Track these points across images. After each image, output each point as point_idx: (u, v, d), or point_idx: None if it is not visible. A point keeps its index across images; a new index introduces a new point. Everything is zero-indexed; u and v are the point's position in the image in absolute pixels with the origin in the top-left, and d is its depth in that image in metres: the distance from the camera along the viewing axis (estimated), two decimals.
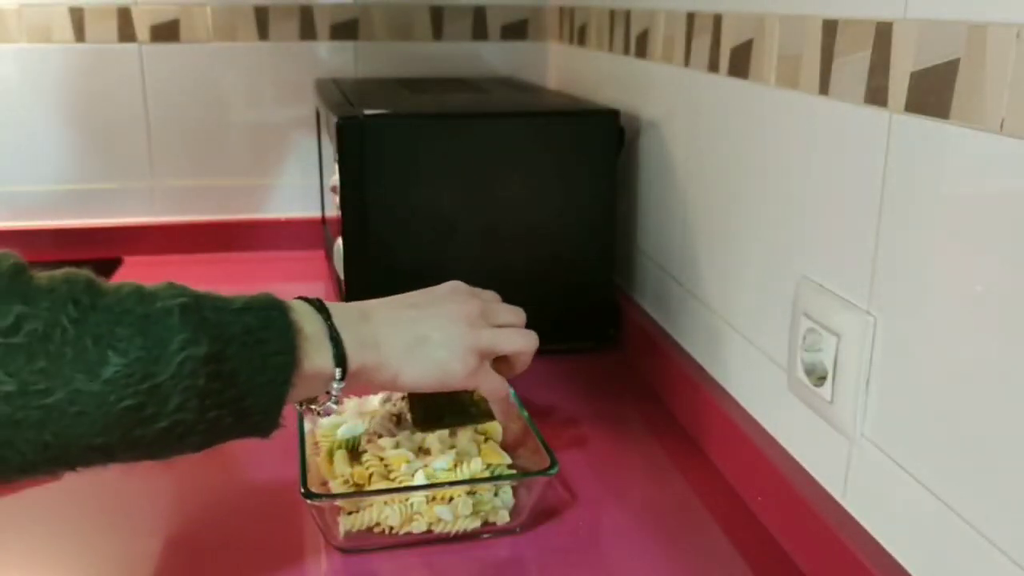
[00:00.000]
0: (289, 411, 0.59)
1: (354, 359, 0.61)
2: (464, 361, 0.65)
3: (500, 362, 0.70)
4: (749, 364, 0.75)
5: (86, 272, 0.53)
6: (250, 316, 0.56)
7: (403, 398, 0.76)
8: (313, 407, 0.63)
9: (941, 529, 0.52)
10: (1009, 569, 0.46)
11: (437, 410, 0.73)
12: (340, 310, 0.62)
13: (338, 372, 0.60)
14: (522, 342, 0.71)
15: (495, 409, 0.72)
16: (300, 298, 0.62)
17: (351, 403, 0.78)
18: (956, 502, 0.50)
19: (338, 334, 0.60)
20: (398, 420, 0.73)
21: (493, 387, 0.69)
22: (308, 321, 0.59)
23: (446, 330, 0.66)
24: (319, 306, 0.62)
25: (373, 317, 0.65)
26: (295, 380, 0.57)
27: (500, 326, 0.70)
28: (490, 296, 0.73)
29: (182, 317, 0.52)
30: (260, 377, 0.55)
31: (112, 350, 0.49)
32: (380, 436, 0.71)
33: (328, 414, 0.63)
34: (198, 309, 0.53)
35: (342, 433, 0.72)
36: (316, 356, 0.59)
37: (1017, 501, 0.46)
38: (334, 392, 0.61)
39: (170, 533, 0.67)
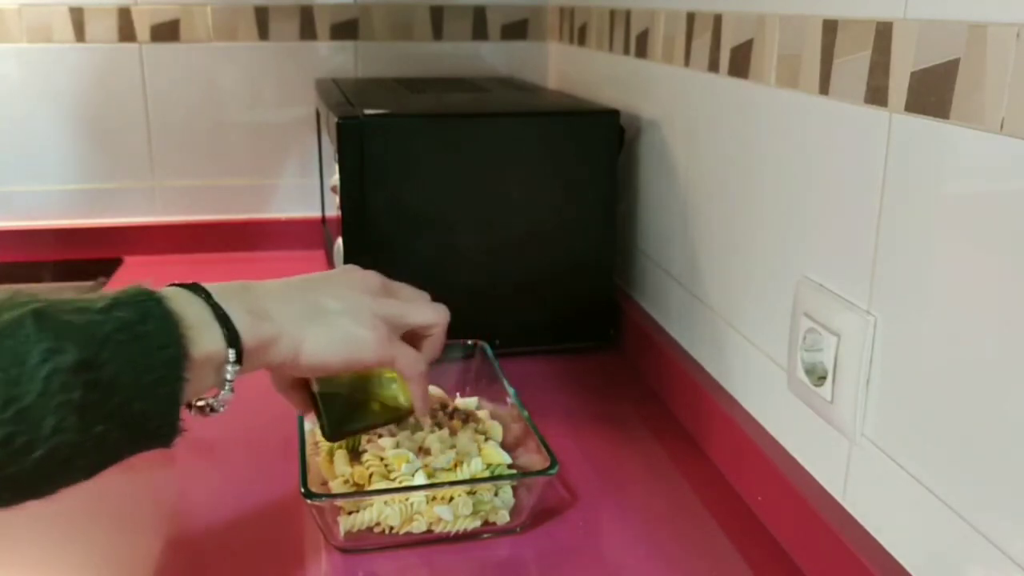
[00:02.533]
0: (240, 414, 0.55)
1: (248, 335, 0.54)
2: (374, 327, 0.60)
3: (409, 343, 0.65)
4: (749, 364, 0.75)
5: None
6: (122, 311, 0.49)
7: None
8: (202, 403, 0.55)
9: (941, 528, 0.52)
10: (1008, 568, 0.46)
11: (347, 414, 0.67)
12: (220, 287, 0.56)
13: (231, 353, 0.53)
14: (432, 314, 0.65)
15: (413, 392, 0.65)
16: (174, 284, 0.55)
17: None
18: (956, 501, 0.50)
19: (224, 312, 0.54)
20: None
21: (410, 360, 0.63)
22: (188, 305, 0.53)
23: (346, 298, 0.60)
24: (195, 288, 0.55)
25: (255, 289, 0.58)
26: (187, 374, 0.50)
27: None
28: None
29: (37, 325, 0.45)
30: (147, 377, 0.48)
31: None
32: (380, 436, 0.71)
33: (222, 407, 0.56)
34: (56, 313, 0.47)
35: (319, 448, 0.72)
36: (204, 341, 0.52)
37: (1017, 501, 0.46)
38: (229, 377, 0.54)
39: (170, 533, 0.67)
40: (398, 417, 0.69)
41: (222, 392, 0.55)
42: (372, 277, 0.65)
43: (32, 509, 0.69)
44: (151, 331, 0.49)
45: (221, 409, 0.56)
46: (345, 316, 0.59)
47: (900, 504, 0.55)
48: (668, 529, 0.68)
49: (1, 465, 0.44)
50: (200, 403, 0.55)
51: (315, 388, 0.66)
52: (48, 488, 0.48)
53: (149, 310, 0.50)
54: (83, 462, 0.48)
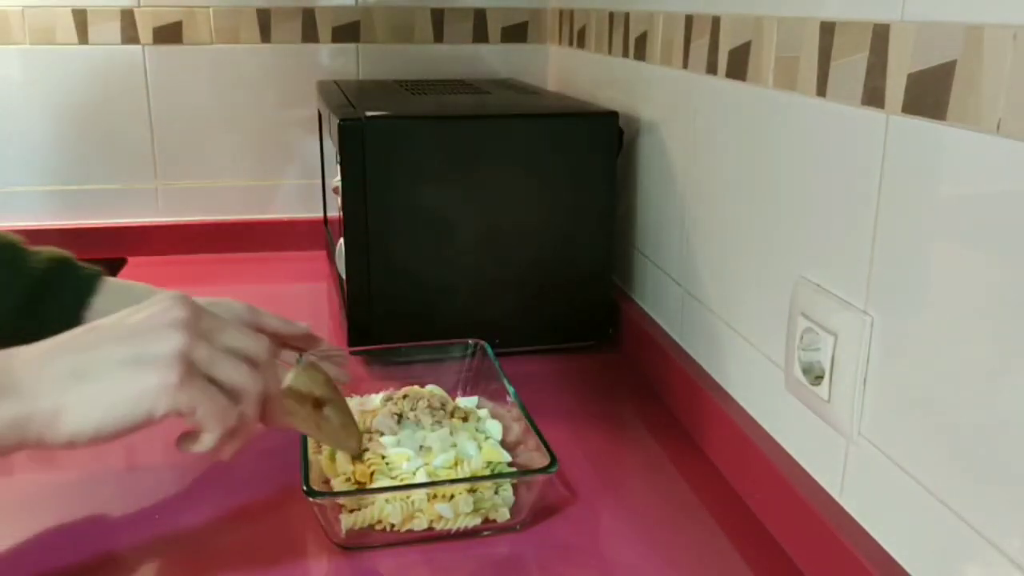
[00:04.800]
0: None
1: None
2: (160, 369, 0.49)
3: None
4: (747, 363, 0.76)
5: None
6: None
7: (404, 396, 0.76)
8: None
9: (937, 526, 0.52)
10: (1005, 567, 0.47)
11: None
12: None
13: None
14: (245, 379, 0.53)
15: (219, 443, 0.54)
16: None
17: (352, 402, 0.78)
18: (952, 500, 0.51)
19: None
20: (399, 418, 0.74)
21: (213, 409, 0.51)
22: None
23: (134, 340, 0.49)
24: None
25: (15, 357, 0.49)
26: None
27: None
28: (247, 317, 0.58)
29: None
30: None
31: None
32: (382, 434, 0.72)
33: None
34: None
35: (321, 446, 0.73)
36: None
37: (1014, 499, 0.46)
38: None
39: (173, 529, 0.67)
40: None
41: None
42: (187, 312, 0.52)
43: (33, 507, 0.70)
44: None
45: None
46: (124, 366, 0.49)
47: (897, 502, 0.56)
48: (666, 527, 0.69)
49: None
50: None
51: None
52: None
53: None
54: None
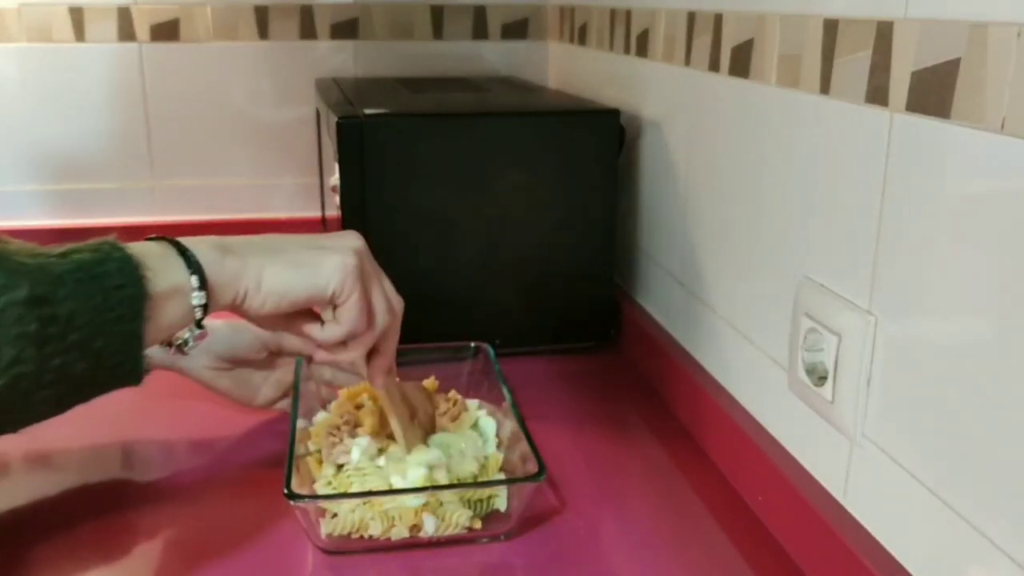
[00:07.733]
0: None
1: (212, 266, 0.56)
2: (341, 253, 0.60)
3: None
4: (750, 364, 0.75)
5: None
6: (80, 254, 0.52)
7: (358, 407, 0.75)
8: (178, 341, 0.57)
9: (941, 528, 0.52)
10: (1008, 568, 0.46)
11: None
12: (190, 239, 0.59)
13: (194, 280, 0.55)
14: (384, 312, 0.63)
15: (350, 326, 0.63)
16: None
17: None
18: (956, 501, 0.50)
19: (186, 247, 0.56)
20: (338, 428, 0.73)
21: (380, 306, 0.62)
22: (150, 248, 0.56)
23: (318, 238, 0.62)
24: (162, 237, 0.58)
25: (227, 238, 0.61)
26: (148, 312, 0.53)
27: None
28: None
29: None
30: (105, 315, 0.51)
31: None
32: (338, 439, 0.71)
33: (193, 342, 0.58)
34: (11, 255, 0.50)
35: (309, 447, 0.72)
36: (166, 275, 0.54)
37: (1017, 500, 0.46)
38: (195, 303, 0.56)
39: (158, 528, 0.67)
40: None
41: (190, 331, 0.58)
42: (360, 246, 0.64)
43: (24, 506, 0.70)
44: (109, 271, 0.52)
45: (192, 343, 0.59)
46: (311, 249, 0.60)
47: (901, 504, 0.55)
48: (668, 529, 0.68)
49: None
50: (177, 341, 0.58)
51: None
52: (19, 418, 0.52)
53: (107, 254, 0.53)
54: (47, 393, 0.51)
